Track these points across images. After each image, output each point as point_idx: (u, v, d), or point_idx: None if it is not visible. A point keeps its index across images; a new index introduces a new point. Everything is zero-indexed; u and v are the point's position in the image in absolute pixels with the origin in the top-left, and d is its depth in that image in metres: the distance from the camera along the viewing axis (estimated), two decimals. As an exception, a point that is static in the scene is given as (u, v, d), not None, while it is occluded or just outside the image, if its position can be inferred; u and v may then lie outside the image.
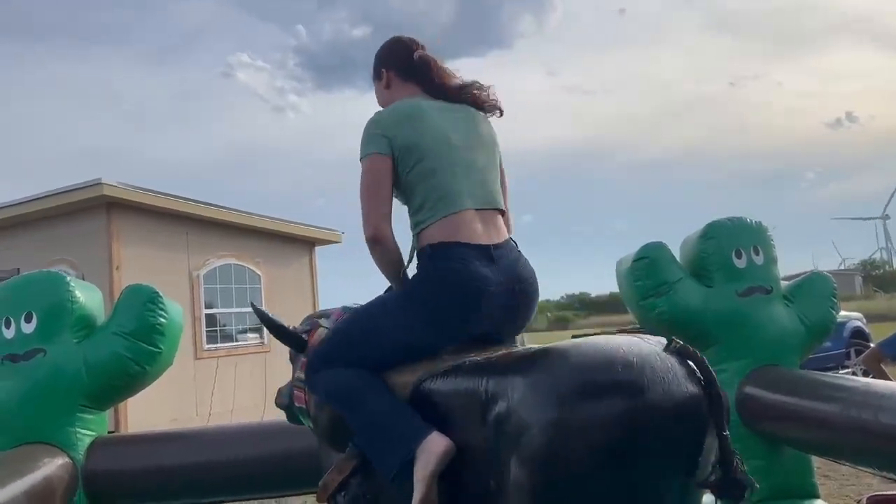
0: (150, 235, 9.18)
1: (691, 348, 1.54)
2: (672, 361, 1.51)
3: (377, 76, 2.32)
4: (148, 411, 8.16)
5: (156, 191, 9.38)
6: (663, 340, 1.57)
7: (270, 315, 2.22)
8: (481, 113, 2.23)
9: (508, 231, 2.11)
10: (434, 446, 1.73)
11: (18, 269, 8.93)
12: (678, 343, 1.55)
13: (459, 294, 1.91)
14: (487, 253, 1.95)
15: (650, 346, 1.55)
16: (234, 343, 10.32)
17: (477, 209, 2.02)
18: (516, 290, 1.98)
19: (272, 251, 11.08)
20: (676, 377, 1.47)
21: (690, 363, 1.51)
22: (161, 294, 3.02)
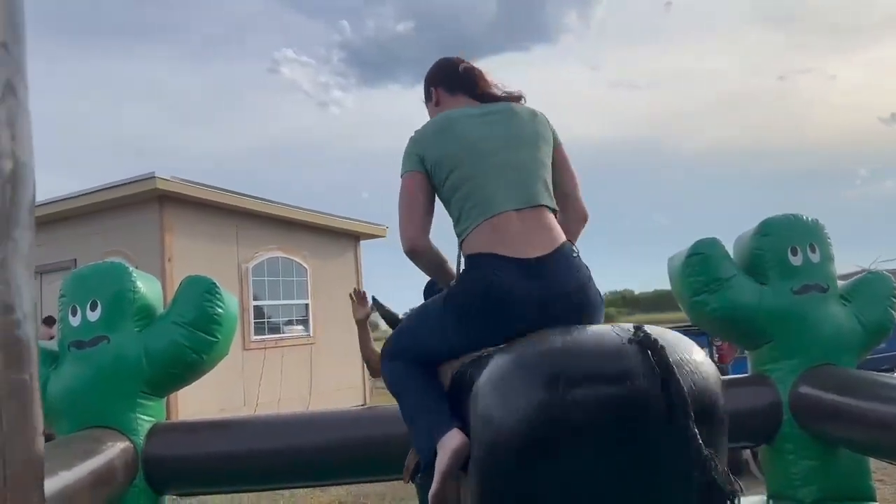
0: (201, 228, 9.40)
1: (653, 338, 1.51)
2: (630, 352, 1.49)
3: (427, 97, 2.36)
4: (197, 401, 8.35)
5: (206, 184, 9.59)
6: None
7: (391, 310, 2.37)
8: (527, 110, 2.19)
9: (568, 231, 2.08)
10: (449, 442, 1.78)
11: (75, 259, 9.22)
12: (641, 333, 1.53)
13: (486, 305, 1.88)
14: (525, 264, 1.88)
15: (609, 336, 1.54)
16: (281, 335, 10.49)
17: (517, 209, 1.96)
18: (560, 300, 1.88)
19: (318, 245, 11.23)
20: (623, 369, 1.46)
21: (651, 355, 1.48)
22: (218, 285, 3.10)
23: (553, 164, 2.14)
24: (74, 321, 2.99)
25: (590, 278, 2.00)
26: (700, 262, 3.11)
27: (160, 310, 3.16)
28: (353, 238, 11.94)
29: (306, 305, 10.97)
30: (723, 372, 6.97)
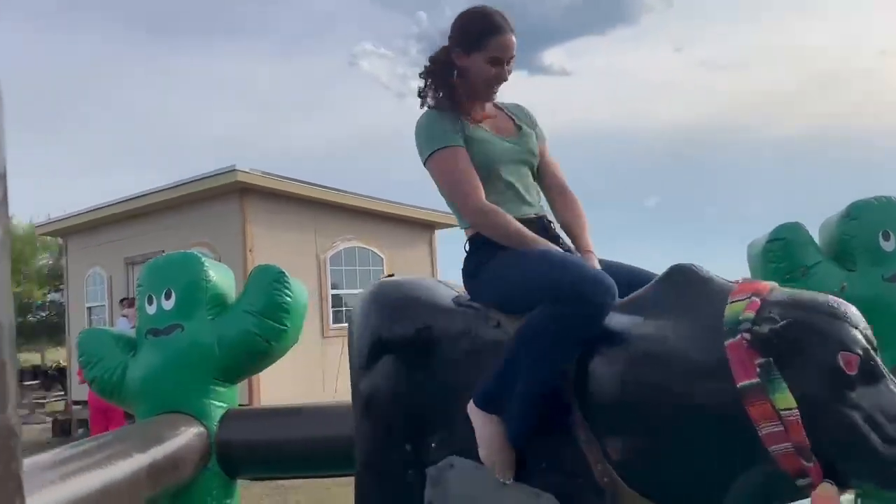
0: (280, 219, 9.62)
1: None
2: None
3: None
4: (278, 387, 8.58)
5: (285, 176, 9.81)
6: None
7: None
8: None
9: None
10: None
11: (163, 250, 9.59)
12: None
13: None
14: None
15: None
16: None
17: None
18: None
19: (394, 234, 11.35)
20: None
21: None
22: (286, 274, 3.13)
23: None
24: (150, 309, 3.08)
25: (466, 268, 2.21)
26: (781, 248, 2.96)
27: (232, 298, 3.22)
28: (428, 227, 11.99)
29: (383, 295, 11.10)
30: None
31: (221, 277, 3.20)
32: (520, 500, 1.84)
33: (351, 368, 2.36)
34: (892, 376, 1.58)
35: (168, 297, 3.06)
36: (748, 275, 3.30)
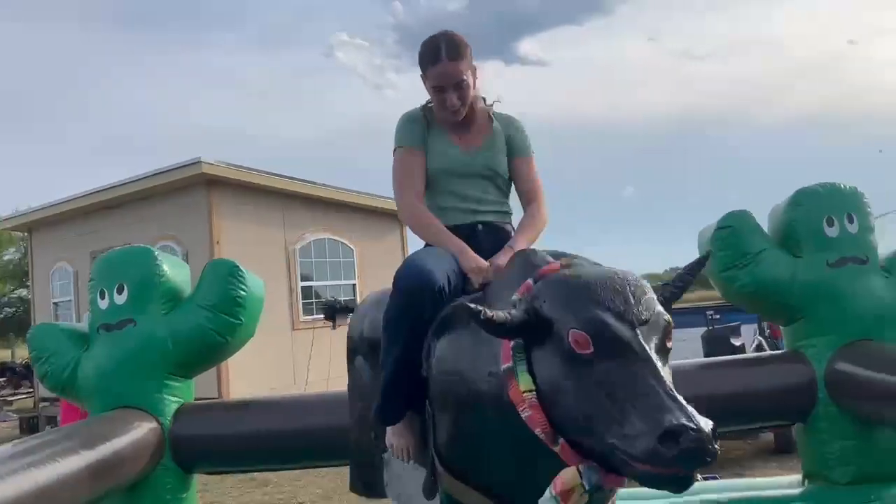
0: (248, 211, 9.54)
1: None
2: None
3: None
4: (248, 380, 8.54)
5: (253, 168, 9.72)
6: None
7: None
8: None
9: None
10: None
11: (129, 243, 9.48)
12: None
13: None
14: None
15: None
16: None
17: None
18: None
19: (365, 226, 11.31)
20: None
21: None
22: (241, 268, 3.13)
23: None
24: (103, 304, 3.06)
25: None
26: (729, 236, 3.00)
27: (187, 293, 3.21)
28: (398, 219, 11.97)
29: (353, 286, 11.08)
30: (776, 347, 6.77)
31: (175, 271, 3.18)
32: (415, 477, 2.02)
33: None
34: (649, 350, 1.40)
35: (120, 291, 3.04)
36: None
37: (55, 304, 11.34)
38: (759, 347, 7.07)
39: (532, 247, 2.13)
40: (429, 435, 1.93)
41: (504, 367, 1.54)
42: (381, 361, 2.05)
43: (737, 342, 6.87)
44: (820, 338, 2.91)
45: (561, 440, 1.45)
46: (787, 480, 3.13)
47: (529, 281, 1.60)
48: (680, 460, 1.23)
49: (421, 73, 2.30)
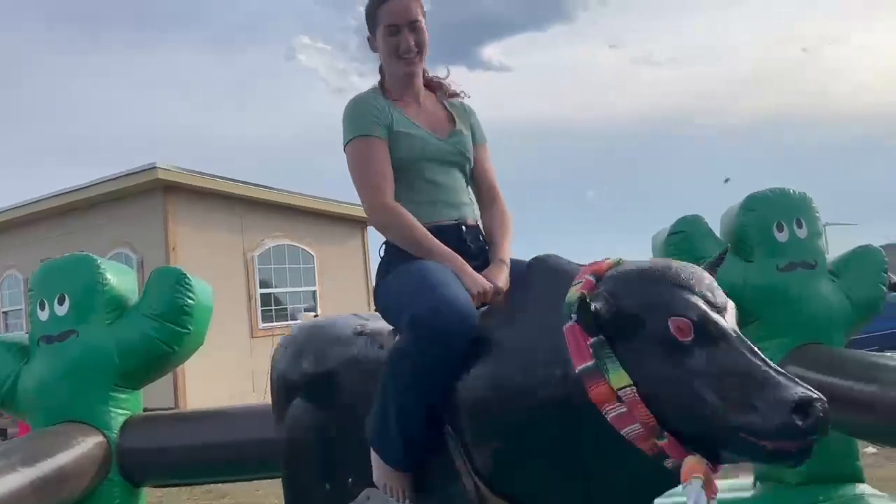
0: (205, 217, 9.41)
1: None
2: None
3: None
4: (206, 389, 8.40)
5: (210, 173, 9.59)
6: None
7: None
8: None
9: None
10: None
11: (82, 250, 9.27)
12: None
13: None
14: None
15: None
16: (290, 322, 10.50)
17: None
18: None
19: (326, 231, 11.21)
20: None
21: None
22: (189, 275, 3.05)
23: None
24: (43, 315, 2.96)
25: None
26: (681, 241, 3.02)
27: (133, 302, 3.12)
28: (360, 224, 11.88)
29: (314, 292, 10.97)
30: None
31: (120, 280, 3.09)
32: None
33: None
34: (738, 333, 1.45)
35: (61, 302, 2.95)
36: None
37: (4, 313, 11.04)
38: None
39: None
40: (458, 458, 1.70)
41: (582, 366, 1.47)
42: (395, 406, 1.75)
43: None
44: (771, 341, 2.94)
45: (666, 433, 1.41)
46: (740, 483, 3.15)
47: (590, 278, 1.54)
48: (811, 430, 1.28)
49: (368, 21, 2.06)
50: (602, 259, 1.62)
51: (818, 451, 2.83)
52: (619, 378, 1.44)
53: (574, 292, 1.54)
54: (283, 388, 2.18)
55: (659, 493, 1.57)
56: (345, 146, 2.03)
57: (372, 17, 2.05)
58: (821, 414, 1.29)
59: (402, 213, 1.93)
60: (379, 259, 2.06)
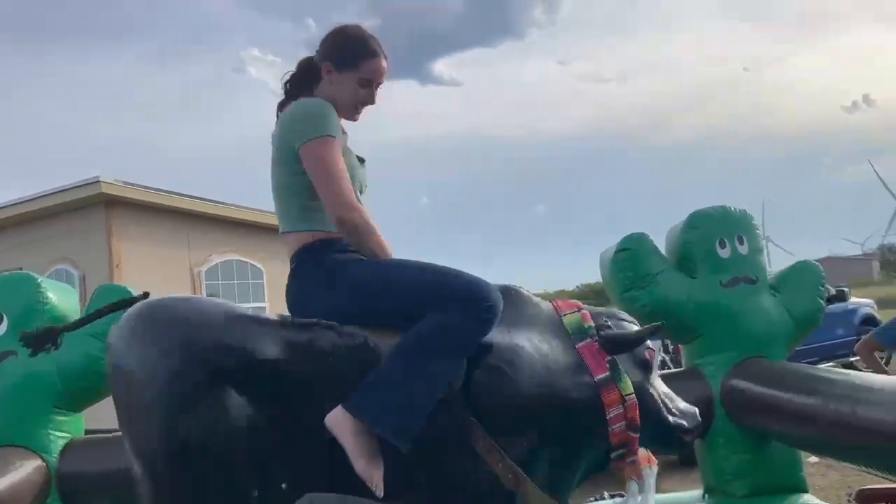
0: (150, 232, 9.19)
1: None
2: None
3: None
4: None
5: (155, 188, 9.40)
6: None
7: None
8: (288, 112, 2.11)
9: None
10: None
11: (21, 268, 8.96)
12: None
13: None
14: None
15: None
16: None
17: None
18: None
19: (274, 246, 11.06)
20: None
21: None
22: (132, 293, 2.98)
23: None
24: (-20, 336, 2.85)
25: (298, 281, 2.09)
26: (628, 258, 3.08)
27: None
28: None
29: (263, 308, 10.82)
30: (679, 363, 6.99)
31: (61, 298, 3.00)
32: None
33: (140, 415, 1.78)
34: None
35: (-1, 322, 2.85)
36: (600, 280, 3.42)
37: (-62, 332, 10.59)
38: (663, 364, 7.28)
39: None
40: (485, 446, 1.84)
41: (601, 376, 1.98)
42: (425, 379, 1.81)
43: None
44: (716, 356, 3.02)
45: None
46: (689, 495, 3.21)
47: (587, 311, 2.12)
48: (700, 427, 2.23)
49: (341, 55, 2.13)
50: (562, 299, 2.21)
51: (763, 463, 2.93)
52: (627, 387, 2.01)
53: (577, 320, 2.08)
54: (188, 379, 1.74)
55: (590, 474, 2.14)
56: (310, 140, 2.00)
57: (351, 58, 2.13)
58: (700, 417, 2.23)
59: (367, 212, 2.02)
60: (302, 265, 2.09)
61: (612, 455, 2.04)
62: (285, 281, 2.20)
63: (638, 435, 2.01)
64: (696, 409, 2.21)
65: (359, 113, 2.20)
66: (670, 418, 2.09)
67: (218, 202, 10.19)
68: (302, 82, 2.21)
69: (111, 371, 1.84)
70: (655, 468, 2.12)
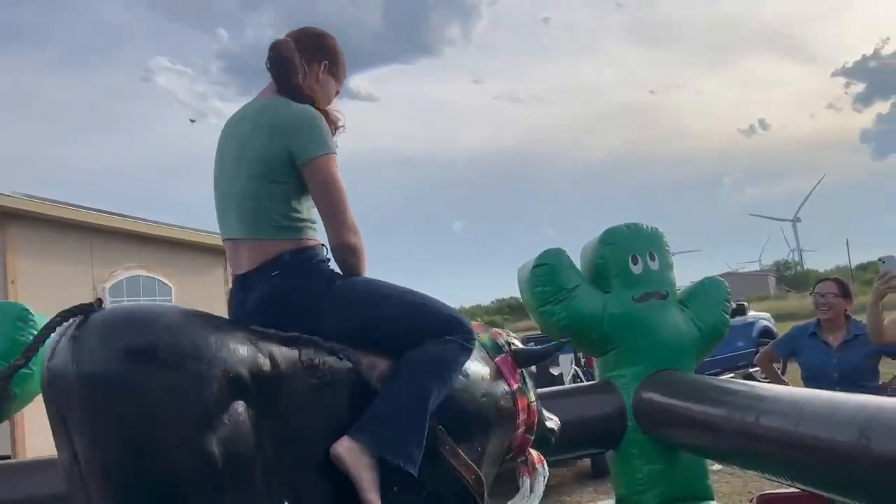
0: (49, 247, 8.75)
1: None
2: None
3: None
4: (49, 435, 7.73)
5: (55, 200, 8.97)
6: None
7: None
8: (262, 110, 1.96)
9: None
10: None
11: None
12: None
13: None
14: (238, 279, 1.97)
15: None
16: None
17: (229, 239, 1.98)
18: (254, 309, 1.89)
19: (184, 261, 10.72)
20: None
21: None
22: (31, 311, 2.83)
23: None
24: None
25: (280, 293, 1.91)
26: (545, 273, 3.13)
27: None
28: (222, 254, 11.48)
29: (171, 326, 10.44)
30: (591, 376, 7.15)
31: None
32: None
33: (139, 437, 1.51)
34: None
35: None
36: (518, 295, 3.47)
37: None
38: (576, 377, 7.43)
39: None
40: (454, 455, 1.94)
41: (516, 386, 2.18)
42: (430, 406, 1.85)
43: (555, 372, 7.19)
44: (628, 368, 3.10)
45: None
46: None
47: (495, 331, 2.33)
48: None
49: (333, 67, 2.11)
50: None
51: (673, 472, 3.02)
52: (531, 395, 2.24)
53: (490, 337, 2.27)
54: (202, 395, 1.54)
55: None
56: (323, 156, 1.91)
57: (341, 65, 2.16)
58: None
59: None
60: (281, 279, 1.90)
61: (507, 456, 2.23)
62: (195, 297, 2.10)
63: (532, 437, 2.24)
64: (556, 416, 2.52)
65: None
66: (546, 422, 2.38)
67: (123, 215, 9.80)
68: (289, 73, 2.02)
69: (80, 385, 1.51)
70: (546, 469, 2.32)
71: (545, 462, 2.32)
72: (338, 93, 2.17)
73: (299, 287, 1.89)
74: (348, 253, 1.94)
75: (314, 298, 1.89)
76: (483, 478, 2.01)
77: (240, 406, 1.59)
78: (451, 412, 1.97)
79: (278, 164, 1.89)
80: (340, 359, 1.81)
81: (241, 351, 1.64)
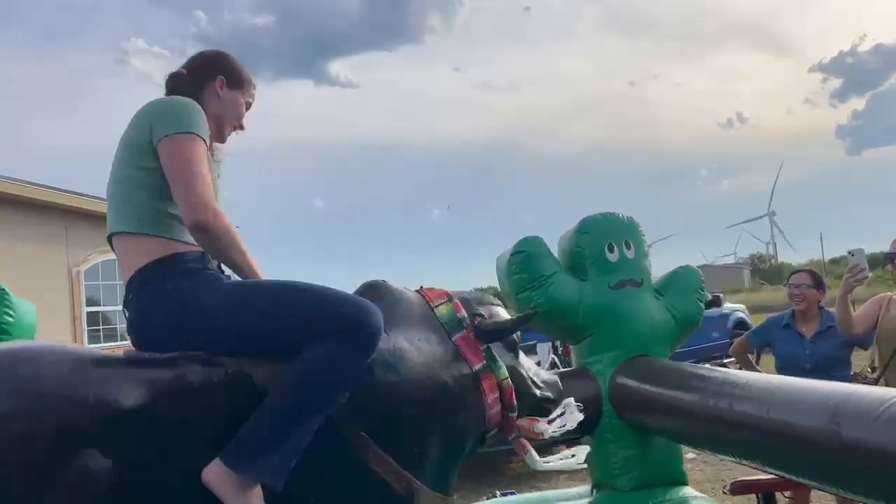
0: (23, 230, 8.65)
1: None
2: None
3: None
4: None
5: (31, 182, 8.85)
6: None
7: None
8: (145, 107, 1.93)
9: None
10: None
11: None
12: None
13: None
14: (126, 287, 1.93)
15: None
16: (120, 342, 9.86)
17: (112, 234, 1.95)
18: (130, 324, 1.89)
19: (161, 246, 10.64)
20: None
21: None
22: (7, 291, 2.80)
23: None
24: None
25: (150, 305, 1.82)
26: (523, 261, 3.15)
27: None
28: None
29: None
30: (567, 364, 7.23)
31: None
32: None
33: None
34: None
35: None
36: (497, 284, 3.49)
37: None
38: (553, 365, 7.50)
39: None
40: (377, 459, 1.82)
41: (478, 366, 2.07)
42: (310, 414, 1.70)
43: (534, 360, 7.26)
44: (604, 355, 3.13)
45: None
46: (577, 491, 3.31)
47: (458, 301, 2.19)
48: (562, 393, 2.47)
49: (232, 81, 2.11)
50: (429, 286, 2.24)
51: (647, 457, 3.06)
52: (501, 373, 2.13)
53: (449, 310, 2.13)
54: (36, 444, 1.41)
55: (468, 456, 2.22)
56: (177, 133, 1.82)
57: (242, 79, 2.15)
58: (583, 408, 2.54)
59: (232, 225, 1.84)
60: (144, 284, 1.84)
61: (488, 437, 2.19)
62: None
63: (515, 414, 2.18)
64: (557, 378, 2.48)
65: (229, 134, 2.15)
66: (538, 392, 2.31)
67: (99, 198, 9.68)
68: (188, 88, 2.04)
69: None
70: (571, 413, 2.39)
71: (551, 419, 2.33)
72: (249, 104, 2.18)
73: (169, 297, 1.79)
74: (207, 238, 1.78)
75: (181, 311, 1.78)
76: (416, 484, 1.86)
77: (94, 457, 1.48)
78: (378, 415, 1.85)
79: (145, 147, 1.85)
80: (226, 375, 1.72)
81: (98, 390, 1.53)
